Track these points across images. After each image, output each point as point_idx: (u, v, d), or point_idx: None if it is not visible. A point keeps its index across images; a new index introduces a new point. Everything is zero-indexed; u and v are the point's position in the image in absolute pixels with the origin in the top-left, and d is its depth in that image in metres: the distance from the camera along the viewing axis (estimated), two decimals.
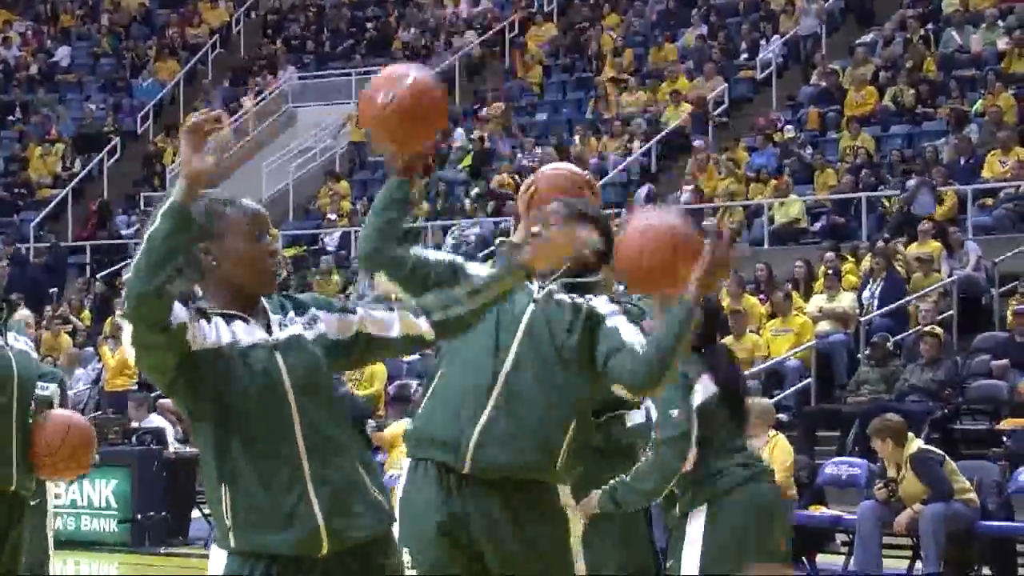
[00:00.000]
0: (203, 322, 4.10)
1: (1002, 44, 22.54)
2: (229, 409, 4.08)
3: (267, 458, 4.08)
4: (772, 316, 17.20)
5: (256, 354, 4.11)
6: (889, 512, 12.39)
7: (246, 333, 4.14)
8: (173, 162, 28.97)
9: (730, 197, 21.14)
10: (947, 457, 12.45)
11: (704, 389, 5.95)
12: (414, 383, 17.86)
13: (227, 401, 4.08)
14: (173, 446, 16.40)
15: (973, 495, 12.29)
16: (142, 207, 27.50)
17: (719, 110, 24.35)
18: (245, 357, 4.11)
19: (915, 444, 12.27)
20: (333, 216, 24.99)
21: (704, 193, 21.41)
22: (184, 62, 32.12)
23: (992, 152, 19.58)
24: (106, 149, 29.76)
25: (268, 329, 4.16)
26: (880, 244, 17.92)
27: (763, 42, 25.38)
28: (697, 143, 22.78)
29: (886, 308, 16.99)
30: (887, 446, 12.10)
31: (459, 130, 26.13)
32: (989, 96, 21.11)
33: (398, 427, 15.41)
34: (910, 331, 16.45)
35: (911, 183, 19.13)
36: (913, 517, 12.08)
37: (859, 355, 16.42)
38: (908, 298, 17.09)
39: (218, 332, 4.11)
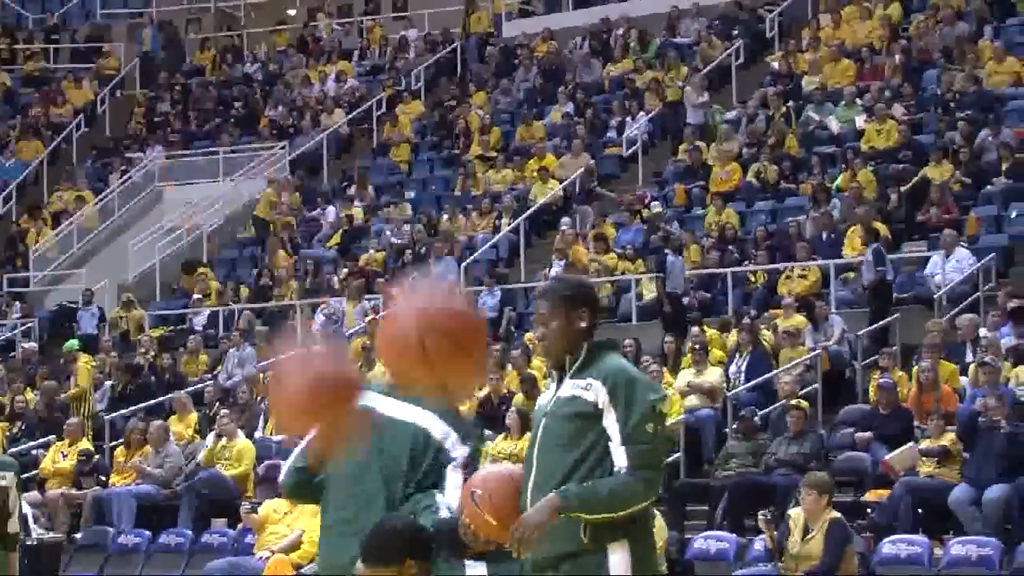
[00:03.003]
0: None
1: (860, 122, 23.00)
2: None
3: None
4: None
5: None
6: None
7: None
8: (36, 242, 28.62)
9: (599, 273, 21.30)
10: (854, 539, 12.64)
11: None
12: (283, 463, 17.71)
13: None
14: (36, 531, 16.12)
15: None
16: (5, 288, 27.11)
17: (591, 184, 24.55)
18: None
19: (835, 512, 12.42)
20: (199, 297, 24.80)
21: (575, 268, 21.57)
22: (48, 141, 31.81)
23: (852, 228, 19.93)
24: None
25: None
26: (746, 319, 18.13)
27: (629, 119, 25.68)
28: (564, 220, 22.97)
29: (752, 382, 17.18)
30: (820, 501, 12.24)
31: (330, 208, 26.11)
32: (849, 172, 21.52)
33: (268, 508, 15.29)
34: (776, 404, 16.63)
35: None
36: None
37: (726, 429, 16.57)
38: (774, 371, 17.30)
39: None
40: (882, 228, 19.66)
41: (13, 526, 7.74)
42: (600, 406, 5.45)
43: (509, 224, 23.61)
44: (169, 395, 20.49)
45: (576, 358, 5.59)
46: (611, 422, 5.44)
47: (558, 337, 5.61)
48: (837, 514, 12.45)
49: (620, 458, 5.42)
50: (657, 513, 13.03)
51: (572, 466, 5.46)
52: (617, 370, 5.53)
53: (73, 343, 22.96)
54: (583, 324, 5.61)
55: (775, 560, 12.64)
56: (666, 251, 20.05)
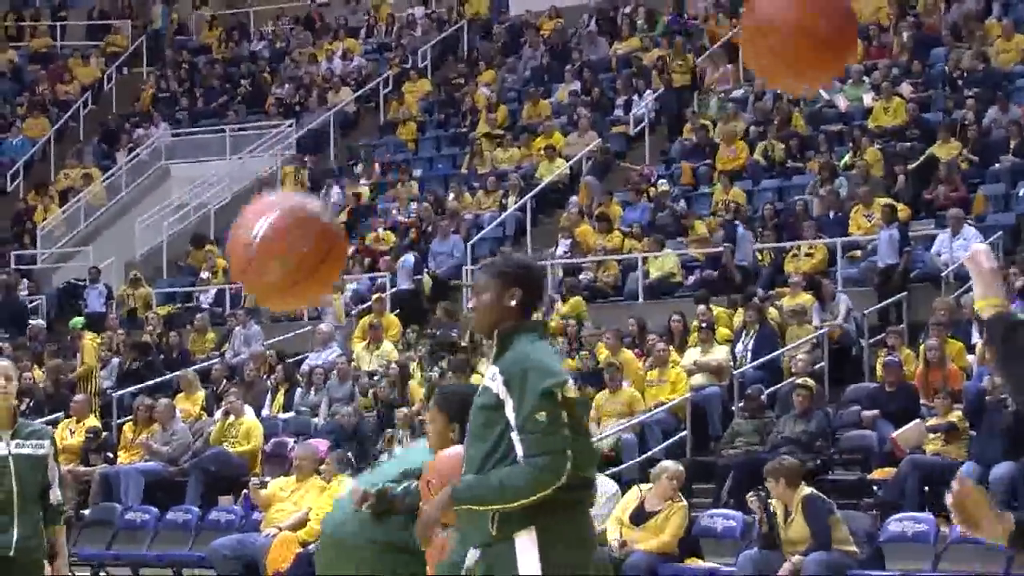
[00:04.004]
0: None
1: (868, 100, 22.97)
2: None
3: None
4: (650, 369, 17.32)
5: None
6: (768, 563, 12.52)
7: None
8: (44, 219, 28.65)
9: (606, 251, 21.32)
10: (835, 507, 12.65)
11: None
12: (290, 440, 17.77)
13: None
14: None
15: (854, 547, 12.47)
16: (12, 265, 27.14)
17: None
18: None
19: (807, 489, 12.46)
20: (206, 275, 24.81)
21: (581, 247, 21.61)
22: (55, 119, 31.81)
23: (857, 207, 19.92)
24: None
25: None
26: (755, 299, 18.14)
27: (636, 97, 25.65)
28: (572, 199, 22.98)
29: (759, 360, 17.19)
30: (779, 487, 12.28)
31: (336, 187, 26.11)
32: (857, 151, 21.50)
33: (275, 485, 15.33)
34: (783, 383, 16.64)
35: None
36: (794, 570, 12.20)
37: (733, 407, 16.58)
38: (781, 350, 17.31)
39: None
40: (901, 209, 19.66)
41: (55, 496, 7.56)
42: (501, 396, 5.42)
43: (516, 203, 23.60)
44: (176, 373, 20.54)
45: (496, 344, 5.59)
46: (509, 411, 5.40)
47: (486, 311, 5.59)
48: (808, 490, 12.49)
49: (518, 447, 5.38)
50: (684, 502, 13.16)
51: (484, 457, 5.44)
52: (515, 359, 5.47)
53: (78, 320, 23.00)
54: (513, 303, 5.55)
55: (767, 543, 12.67)
56: (735, 222, 20.13)
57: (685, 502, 13.54)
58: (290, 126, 28.87)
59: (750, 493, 13.20)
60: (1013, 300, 16.71)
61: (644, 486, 13.75)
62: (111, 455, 18.44)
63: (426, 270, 22.29)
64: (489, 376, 5.52)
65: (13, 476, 7.39)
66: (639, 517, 13.47)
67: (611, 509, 13.62)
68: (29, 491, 7.46)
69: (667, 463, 13.80)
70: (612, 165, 24.56)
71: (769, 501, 12.80)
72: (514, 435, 5.37)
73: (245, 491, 16.02)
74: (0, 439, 7.49)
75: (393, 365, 18.54)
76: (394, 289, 22.10)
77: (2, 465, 7.39)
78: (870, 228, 19.47)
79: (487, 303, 5.58)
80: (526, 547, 5.38)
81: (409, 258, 22.43)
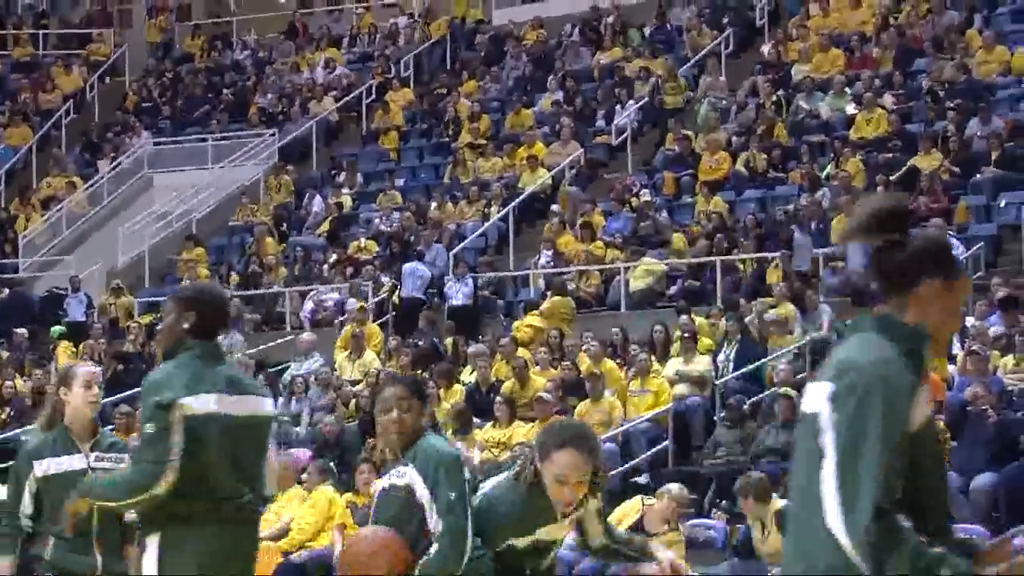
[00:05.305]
0: None
1: (850, 110, 23.03)
2: None
3: None
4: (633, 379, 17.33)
5: None
6: (750, 572, 12.52)
7: None
8: (26, 228, 28.58)
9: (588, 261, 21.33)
10: None
11: None
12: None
13: None
14: None
15: None
16: None
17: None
18: None
19: (780, 502, 12.45)
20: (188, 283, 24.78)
21: (563, 257, 21.62)
22: (37, 128, 31.75)
23: (839, 217, 19.95)
24: None
25: None
26: (734, 307, 18.16)
27: (618, 107, 25.67)
28: (553, 208, 23.00)
29: (741, 370, 17.20)
30: (749, 503, 12.28)
31: (317, 196, 26.09)
32: (839, 162, 21.54)
33: None
34: (765, 393, 16.65)
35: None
36: None
37: (715, 417, 16.59)
38: (762, 360, 17.33)
39: None
40: None
41: (130, 513, 6.86)
42: None
43: (498, 212, 23.60)
44: None
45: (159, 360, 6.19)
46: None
47: (164, 332, 6.13)
48: (782, 502, 12.46)
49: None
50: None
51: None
52: (153, 375, 6.00)
53: (57, 329, 22.94)
54: (186, 325, 5.96)
55: (744, 552, 12.66)
56: (792, 227, 20.07)
57: (683, 538, 13.41)
58: (273, 135, 28.85)
59: (715, 507, 13.20)
60: (992, 311, 16.76)
61: (648, 500, 13.66)
62: None
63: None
64: None
65: None
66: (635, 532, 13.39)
67: None
68: (105, 510, 6.70)
69: (674, 486, 13.69)
70: (595, 175, 24.58)
71: (735, 513, 12.78)
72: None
73: None
74: (78, 451, 6.97)
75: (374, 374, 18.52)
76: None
77: (81, 480, 6.54)
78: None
79: (166, 324, 6.09)
80: (150, 551, 5.82)
81: (419, 267, 22.31)
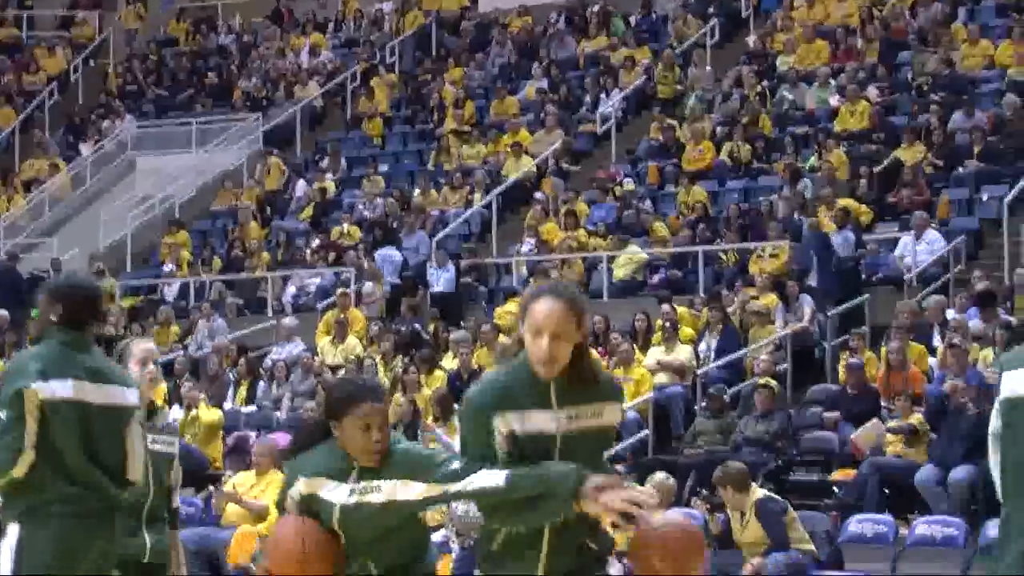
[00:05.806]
0: None
1: (834, 102, 23.05)
2: None
3: None
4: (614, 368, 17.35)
5: None
6: (726, 562, 12.55)
7: None
8: (7, 210, 28.51)
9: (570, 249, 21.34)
10: (789, 506, 12.67)
11: None
12: (252, 434, 17.74)
13: None
14: None
15: (811, 546, 12.51)
16: None
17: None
18: None
19: (759, 492, 12.48)
20: (171, 267, 24.74)
21: (546, 244, 21.63)
22: (20, 109, 31.65)
23: (821, 208, 19.99)
24: None
25: None
26: (716, 297, 18.20)
27: (603, 96, 25.67)
28: (537, 195, 23.00)
29: (722, 360, 17.23)
30: (729, 493, 12.30)
31: (300, 181, 26.06)
32: (822, 153, 21.57)
33: (234, 481, 15.29)
34: (745, 383, 16.69)
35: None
36: (754, 571, 12.23)
37: (695, 407, 16.62)
38: (743, 350, 17.36)
39: None
40: (855, 209, 19.76)
41: (176, 500, 7.12)
42: None
43: (482, 199, 23.60)
44: None
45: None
46: None
47: (35, 326, 6.67)
48: (761, 492, 12.50)
49: None
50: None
51: None
52: (15, 359, 6.21)
53: (36, 312, 22.84)
54: (53, 317, 6.06)
55: (722, 543, 12.68)
56: (800, 218, 20.03)
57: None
58: (257, 120, 28.80)
59: (695, 497, 13.23)
60: (973, 304, 16.81)
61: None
62: None
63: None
64: None
65: (150, 474, 6.67)
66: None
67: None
68: (159, 492, 6.95)
69: (659, 474, 13.67)
70: (579, 163, 24.59)
71: (715, 502, 12.81)
72: None
73: (212, 487, 15.98)
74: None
75: (357, 359, 18.54)
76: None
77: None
78: (835, 230, 19.54)
79: (39, 315, 6.16)
80: (8, 539, 5.83)
81: (392, 253, 22.31)
